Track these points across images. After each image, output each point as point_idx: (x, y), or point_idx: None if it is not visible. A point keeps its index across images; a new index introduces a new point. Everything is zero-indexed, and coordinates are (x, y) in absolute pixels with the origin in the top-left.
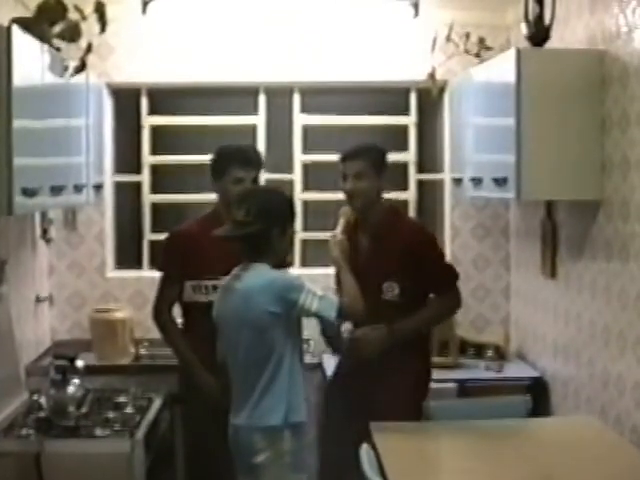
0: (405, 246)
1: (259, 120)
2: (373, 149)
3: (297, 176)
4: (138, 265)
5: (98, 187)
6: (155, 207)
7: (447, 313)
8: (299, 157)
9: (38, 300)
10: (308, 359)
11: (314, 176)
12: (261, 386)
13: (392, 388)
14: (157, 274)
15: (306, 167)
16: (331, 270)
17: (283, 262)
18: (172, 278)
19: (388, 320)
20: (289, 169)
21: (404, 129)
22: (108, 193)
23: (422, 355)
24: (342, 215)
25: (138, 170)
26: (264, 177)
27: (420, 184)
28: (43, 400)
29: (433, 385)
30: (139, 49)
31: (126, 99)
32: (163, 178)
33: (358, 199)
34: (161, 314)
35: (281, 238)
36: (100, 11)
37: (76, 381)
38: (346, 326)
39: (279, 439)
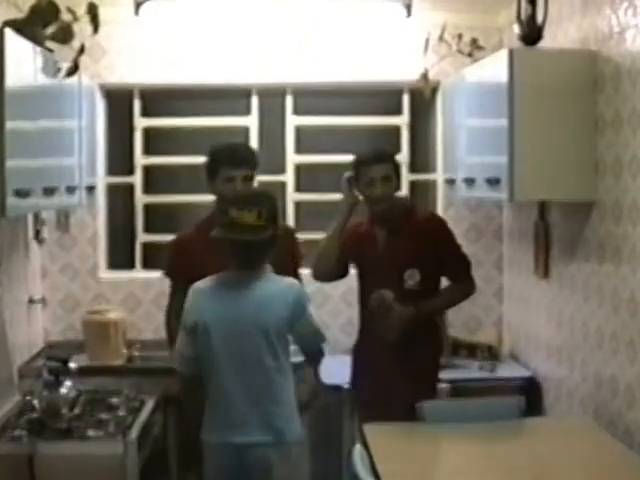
0: (422, 232)
1: (251, 121)
2: (389, 152)
3: (290, 177)
4: (131, 266)
5: (91, 188)
6: (148, 209)
7: (462, 298)
8: (292, 158)
9: (31, 302)
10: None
11: (307, 177)
12: (273, 398)
13: (412, 369)
14: (150, 275)
15: (299, 168)
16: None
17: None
18: (177, 285)
19: None
20: (282, 170)
21: (397, 130)
22: (101, 194)
23: (436, 340)
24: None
25: (131, 171)
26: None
27: (413, 185)
28: (36, 402)
29: None
30: (132, 50)
31: (119, 100)
32: (156, 180)
33: (386, 202)
34: (168, 321)
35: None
36: (92, 12)
37: (69, 383)
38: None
39: (294, 454)
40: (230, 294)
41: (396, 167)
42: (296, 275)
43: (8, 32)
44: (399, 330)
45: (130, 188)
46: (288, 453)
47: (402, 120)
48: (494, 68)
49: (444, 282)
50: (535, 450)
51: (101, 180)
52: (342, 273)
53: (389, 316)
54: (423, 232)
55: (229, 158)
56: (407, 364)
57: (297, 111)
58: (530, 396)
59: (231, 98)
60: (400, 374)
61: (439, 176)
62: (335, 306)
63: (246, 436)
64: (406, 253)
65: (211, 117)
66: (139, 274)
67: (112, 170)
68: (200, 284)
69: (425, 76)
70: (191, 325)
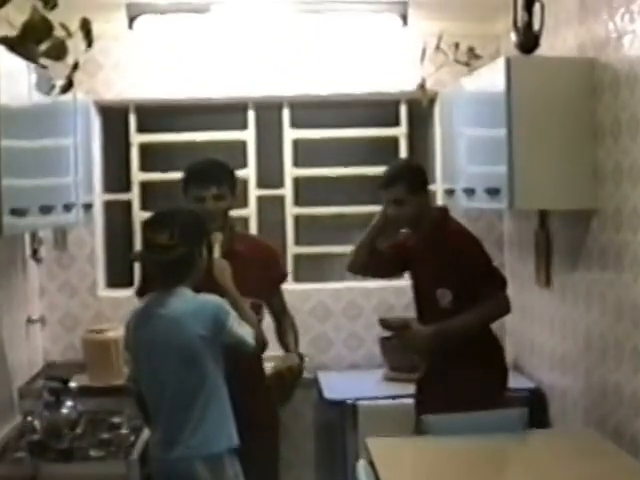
0: (452, 251)
1: (249, 135)
2: (409, 172)
3: (288, 191)
4: (130, 284)
5: (88, 206)
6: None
7: (492, 317)
8: (290, 172)
9: (30, 321)
10: (304, 375)
11: (305, 191)
12: (196, 415)
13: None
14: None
15: (297, 182)
16: (324, 285)
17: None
18: None
19: None
20: (280, 184)
21: (395, 141)
22: (98, 212)
23: (492, 349)
24: (215, 241)
25: (128, 188)
26: (255, 193)
27: None
28: (37, 422)
29: None
30: (126, 66)
31: (114, 116)
32: (153, 196)
33: (402, 222)
34: None
35: (201, 260)
36: (86, 28)
37: (70, 403)
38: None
39: (221, 467)
40: (149, 315)
41: (414, 186)
42: (278, 291)
43: (1, 49)
44: (423, 351)
45: (127, 205)
46: (218, 465)
47: (400, 131)
48: (492, 77)
49: None
50: (541, 462)
51: (98, 197)
52: (380, 274)
53: (407, 337)
54: (449, 250)
55: (198, 177)
56: (463, 377)
57: (294, 124)
58: (535, 407)
59: (228, 112)
60: (459, 386)
61: (438, 186)
62: (337, 321)
63: (171, 451)
64: (437, 272)
65: (208, 132)
66: None
67: (109, 187)
68: (138, 305)
69: (422, 86)
70: (125, 346)
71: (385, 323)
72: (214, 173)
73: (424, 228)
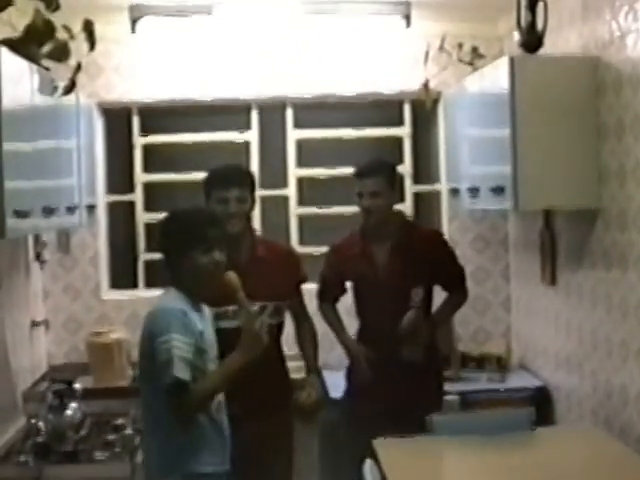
0: (425, 248)
1: (252, 136)
2: (386, 165)
3: (292, 191)
4: (133, 285)
5: (91, 208)
6: (149, 226)
7: (459, 307)
8: (293, 172)
9: (33, 325)
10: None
11: (309, 191)
12: (150, 426)
13: (416, 385)
14: (153, 294)
15: (301, 182)
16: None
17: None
18: None
19: None
20: (284, 184)
21: (399, 141)
22: (101, 213)
23: (436, 353)
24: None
25: (131, 189)
26: (259, 193)
27: (417, 196)
28: (41, 425)
29: None
30: (129, 68)
31: (117, 118)
32: (156, 197)
33: (375, 215)
34: None
35: (180, 264)
36: (88, 30)
37: (74, 405)
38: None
39: None
40: None
41: (391, 181)
42: (298, 293)
43: (4, 51)
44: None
45: (131, 206)
46: None
47: (404, 131)
48: (495, 76)
49: None
50: (548, 461)
51: (101, 199)
52: (340, 294)
53: (417, 336)
54: (426, 249)
55: (218, 180)
56: (411, 378)
57: (298, 124)
58: (541, 406)
59: (231, 113)
60: (404, 389)
61: (443, 186)
62: None
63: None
64: (413, 271)
65: (211, 133)
66: (142, 293)
67: (112, 188)
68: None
69: (426, 86)
70: None
71: (413, 320)
72: (236, 175)
73: (390, 229)
